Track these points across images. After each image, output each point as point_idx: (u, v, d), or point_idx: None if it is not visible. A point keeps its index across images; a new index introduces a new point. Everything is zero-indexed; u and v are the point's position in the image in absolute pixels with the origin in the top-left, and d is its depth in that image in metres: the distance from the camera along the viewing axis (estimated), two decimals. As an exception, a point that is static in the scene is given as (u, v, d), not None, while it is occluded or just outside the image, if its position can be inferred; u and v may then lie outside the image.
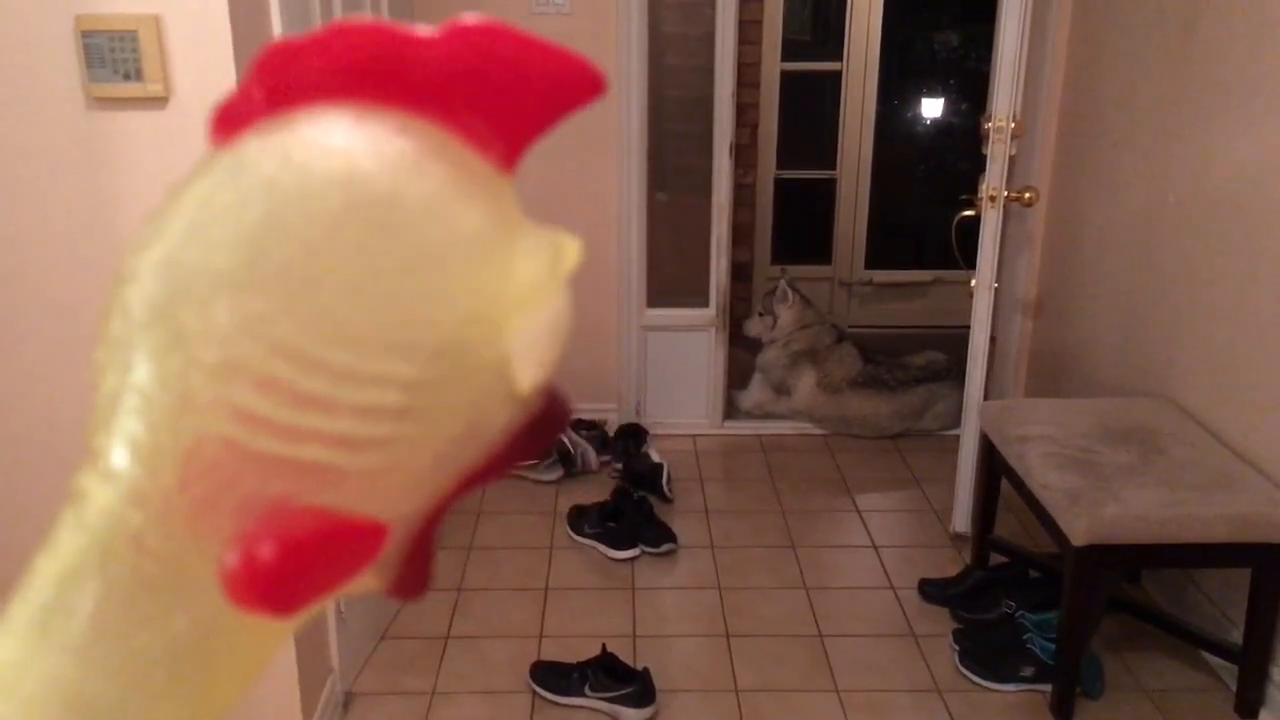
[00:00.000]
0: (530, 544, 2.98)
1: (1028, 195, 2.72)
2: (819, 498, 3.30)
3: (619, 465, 3.38)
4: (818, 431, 3.71)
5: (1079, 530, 2.15)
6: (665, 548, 2.91)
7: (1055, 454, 2.38)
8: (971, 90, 4.98)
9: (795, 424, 3.74)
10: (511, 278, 0.29)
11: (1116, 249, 3.02)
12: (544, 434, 0.32)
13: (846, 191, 4.91)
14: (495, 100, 0.31)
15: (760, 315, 3.85)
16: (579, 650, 2.42)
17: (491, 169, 0.31)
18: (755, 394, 3.81)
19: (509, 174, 0.31)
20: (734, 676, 2.42)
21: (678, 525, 3.04)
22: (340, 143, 0.29)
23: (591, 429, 3.50)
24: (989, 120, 2.69)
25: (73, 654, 0.28)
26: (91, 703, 0.28)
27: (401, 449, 0.28)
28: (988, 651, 2.44)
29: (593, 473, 3.38)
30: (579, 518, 3.01)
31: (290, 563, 0.27)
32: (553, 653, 2.47)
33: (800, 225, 5.04)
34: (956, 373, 3.71)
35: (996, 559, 2.79)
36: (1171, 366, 2.69)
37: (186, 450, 0.27)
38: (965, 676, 2.41)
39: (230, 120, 0.30)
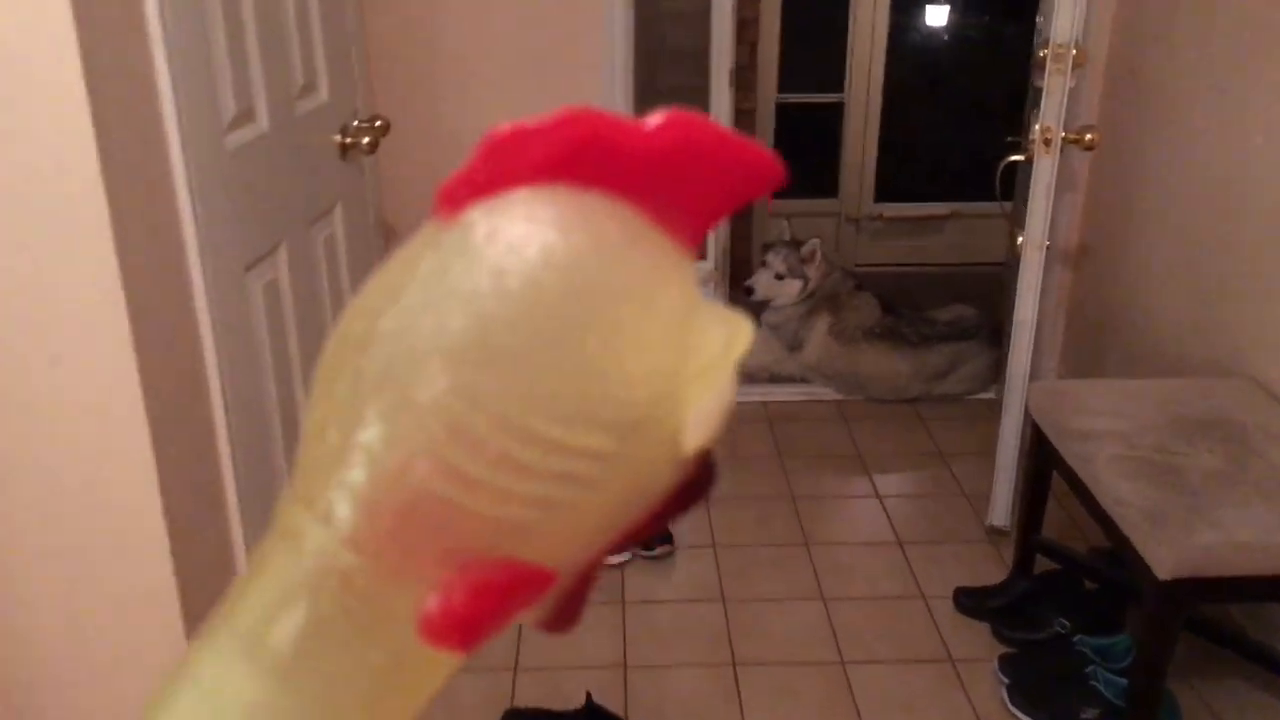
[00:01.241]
0: (505, 544, 2.59)
1: (1089, 137, 2.28)
2: (833, 479, 2.91)
3: (606, 444, 2.98)
4: (830, 396, 3.31)
5: (1165, 562, 1.76)
6: (660, 550, 2.52)
7: (1127, 456, 1.99)
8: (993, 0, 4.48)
9: (805, 389, 3.34)
10: (692, 355, 0.31)
11: (1185, 194, 2.59)
12: (697, 494, 0.34)
13: (855, 117, 4.44)
14: (690, 187, 0.32)
15: (779, 278, 3.37)
16: (563, 687, 2.06)
17: (679, 250, 0.33)
18: (760, 355, 3.40)
19: (693, 255, 0.33)
20: (742, 717, 2.06)
21: (674, 518, 2.66)
22: (556, 227, 0.30)
23: (574, 401, 3.09)
24: (1045, 46, 2.23)
25: (276, 677, 0.29)
26: None
27: (585, 509, 0.30)
28: (1041, 685, 2.08)
29: (576, 452, 2.98)
30: (560, 513, 2.62)
31: (479, 608, 0.30)
32: (531, 692, 2.10)
33: (804, 154, 4.58)
34: (987, 331, 3.30)
35: (1042, 560, 2.42)
36: (1253, 338, 2.28)
37: (403, 504, 0.29)
38: (1015, 717, 2.05)
39: (455, 197, 0.32)
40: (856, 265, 4.50)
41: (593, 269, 0.30)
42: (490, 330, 0.29)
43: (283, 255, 1.94)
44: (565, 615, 0.34)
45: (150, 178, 1.55)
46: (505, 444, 0.28)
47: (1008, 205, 3.08)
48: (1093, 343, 3.07)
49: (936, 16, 4.45)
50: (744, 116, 4.05)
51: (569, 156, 0.31)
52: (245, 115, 1.80)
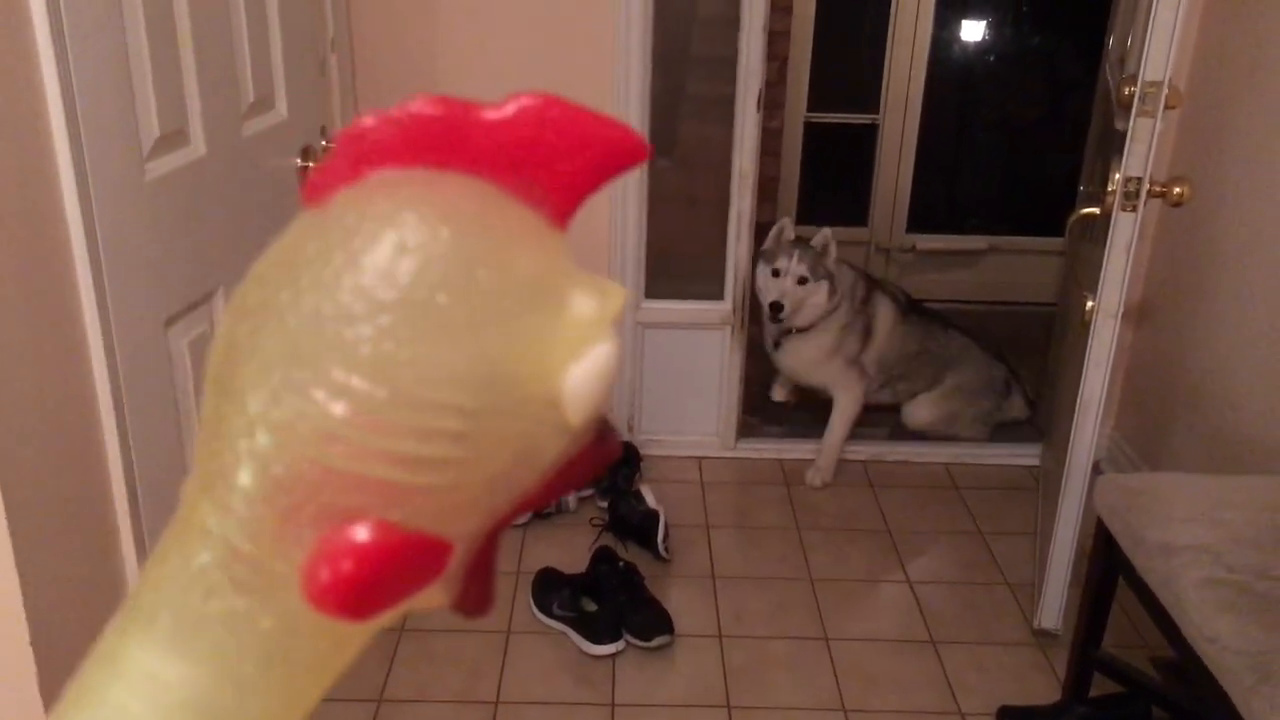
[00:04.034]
0: (481, 624, 2.27)
1: (1178, 190, 1.94)
2: (857, 558, 2.59)
3: (603, 504, 2.66)
4: (853, 455, 2.97)
5: (1276, 729, 1.44)
6: (657, 641, 2.20)
7: (1220, 580, 1.66)
8: (1046, 15, 4.14)
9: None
10: (563, 320, 0.32)
11: (1277, 249, 2.26)
12: (594, 465, 0.35)
13: (890, 139, 4.11)
14: (550, 164, 0.34)
15: (802, 282, 2.80)
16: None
17: (545, 223, 0.34)
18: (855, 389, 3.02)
19: (562, 228, 0.34)
20: None
21: (675, 597, 2.34)
22: (411, 202, 0.31)
23: (570, 452, 2.77)
24: (1131, 83, 1.90)
25: (172, 645, 0.30)
26: (186, 690, 0.30)
27: (460, 470, 0.30)
28: (1103, 845, 1.75)
29: (569, 513, 2.66)
30: (547, 591, 2.31)
31: (364, 572, 0.30)
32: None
33: (832, 178, 4.25)
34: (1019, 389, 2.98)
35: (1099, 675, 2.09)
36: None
37: (281, 469, 0.30)
38: None
39: (321, 185, 0.33)
40: (885, 299, 4.18)
41: (448, 235, 0.31)
42: (344, 296, 0.29)
43: (220, 303, 1.62)
44: (474, 595, 0.34)
45: (31, 217, 1.24)
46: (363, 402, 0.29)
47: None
48: (1156, 409, 2.74)
49: (983, 33, 4.11)
50: (770, 136, 3.72)
51: (424, 141, 0.32)
52: (175, 137, 1.48)
